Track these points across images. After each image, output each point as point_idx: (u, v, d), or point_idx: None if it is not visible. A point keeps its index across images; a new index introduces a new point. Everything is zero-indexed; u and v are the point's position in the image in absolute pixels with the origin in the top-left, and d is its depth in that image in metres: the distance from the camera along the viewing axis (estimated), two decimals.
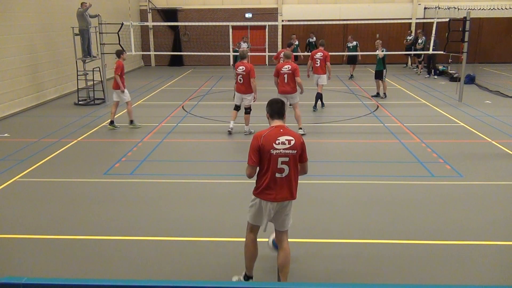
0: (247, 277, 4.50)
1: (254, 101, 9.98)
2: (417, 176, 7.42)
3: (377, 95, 14.31)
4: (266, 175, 4.13)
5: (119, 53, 10.76)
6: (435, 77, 18.57)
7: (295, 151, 4.10)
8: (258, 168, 4.19)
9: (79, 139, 9.76)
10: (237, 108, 10.20)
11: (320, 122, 11.32)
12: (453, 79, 16.96)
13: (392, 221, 5.87)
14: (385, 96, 14.15)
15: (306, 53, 19.49)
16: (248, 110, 10.02)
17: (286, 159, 4.08)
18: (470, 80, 16.25)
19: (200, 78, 18.92)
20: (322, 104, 12.84)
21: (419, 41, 19.32)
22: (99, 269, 4.82)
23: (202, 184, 7.20)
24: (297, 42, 19.66)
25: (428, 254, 5.05)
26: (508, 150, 8.71)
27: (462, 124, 10.80)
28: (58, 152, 8.84)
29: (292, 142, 4.09)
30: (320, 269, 4.81)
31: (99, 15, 13.73)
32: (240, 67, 9.76)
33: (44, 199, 6.67)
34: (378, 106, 12.92)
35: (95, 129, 10.65)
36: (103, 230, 5.66)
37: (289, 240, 4.48)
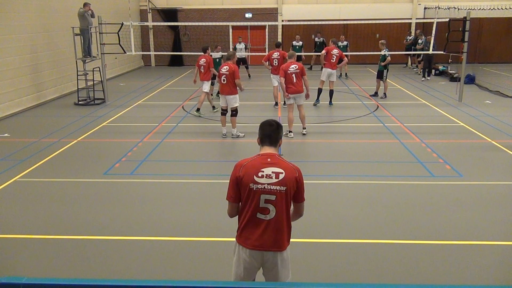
0: None
1: (242, 90, 9.67)
2: (417, 176, 7.42)
3: (375, 94, 14.39)
4: (245, 216, 3.30)
5: (205, 49, 12.00)
6: (428, 78, 18.45)
7: (285, 188, 3.24)
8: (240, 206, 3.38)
9: (79, 139, 9.76)
10: (224, 112, 9.82)
11: (320, 122, 11.32)
12: (453, 79, 16.96)
13: (392, 221, 5.86)
14: (385, 96, 14.17)
15: (313, 53, 19.52)
16: (233, 113, 9.64)
17: (272, 197, 3.22)
18: (470, 80, 16.25)
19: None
20: (330, 102, 13.06)
21: (419, 41, 19.31)
22: (99, 269, 4.82)
23: (202, 184, 7.20)
24: (300, 43, 19.71)
25: (428, 254, 5.05)
26: (508, 150, 8.71)
27: (462, 124, 10.81)
28: (58, 152, 8.84)
29: (281, 176, 3.23)
30: (320, 269, 4.81)
31: (99, 16, 13.73)
32: (224, 67, 9.48)
33: (44, 199, 6.67)
34: (378, 106, 12.92)
35: (95, 129, 10.65)
36: (103, 230, 5.66)
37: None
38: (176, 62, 23.69)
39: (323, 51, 13.05)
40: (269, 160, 3.31)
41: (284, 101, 12.77)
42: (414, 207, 6.26)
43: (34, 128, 10.88)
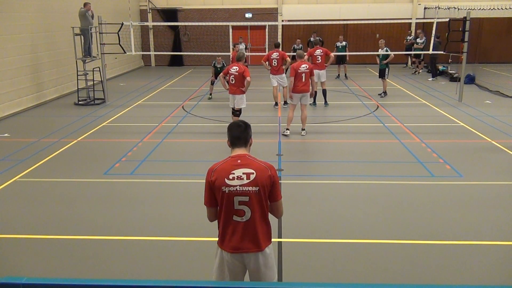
0: None
1: (245, 90, 9.78)
2: (417, 176, 7.42)
3: (385, 93, 14.43)
4: (222, 219, 3.31)
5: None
6: (435, 78, 18.52)
7: (257, 188, 3.20)
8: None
9: (79, 139, 9.76)
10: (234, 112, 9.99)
11: (320, 122, 11.31)
12: (453, 79, 16.95)
13: (392, 221, 5.86)
14: (385, 95, 14.22)
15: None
16: (237, 113, 9.75)
17: (245, 198, 3.19)
18: (470, 80, 16.25)
19: (200, 78, 18.92)
20: (326, 103, 13.02)
21: (420, 40, 19.31)
22: (99, 269, 4.82)
23: (202, 184, 7.15)
24: (300, 46, 19.72)
25: (428, 254, 5.05)
26: (508, 150, 8.70)
27: (462, 124, 10.81)
28: (58, 152, 8.84)
29: (252, 176, 3.20)
30: (320, 269, 4.81)
31: (99, 16, 13.73)
32: (234, 67, 9.60)
33: (44, 199, 6.67)
34: (378, 106, 12.92)
35: (95, 129, 10.65)
36: (103, 230, 5.66)
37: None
38: (176, 62, 23.70)
39: (306, 56, 12.89)
40: (239, 161, 3.28)
41: (285, 101, 12.81)
42: (414, 207, 6.26)
43: (34, 128, 10.88)
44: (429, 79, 18.09)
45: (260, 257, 3.29)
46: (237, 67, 9.61)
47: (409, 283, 4.56)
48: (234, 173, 3.22)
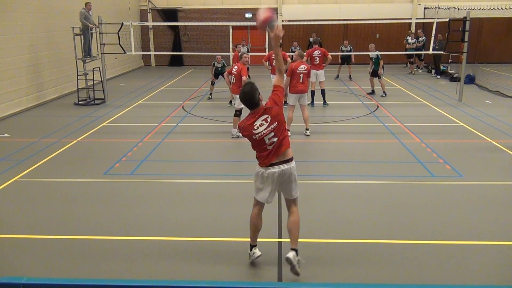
0: (251, 246, 4.79)
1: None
2: (417, 176, 7.42)
3: (373, 92, 14.78)
4: (261, 152, 4.46)
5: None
6: (438, 76, 18.57)
7: (276, 122, 4.38)
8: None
9: (79, 139, 9.76)
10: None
11: (320, 122, 11.31)
12: (453, 79, 16.95)
13: (392, 221, 5.86)
14: (385, 95, 14.29)
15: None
16: (237, 113, 9.66)
17: (271, 134, 4.38)
18: (470, 80, 16.24)
19: (200, 78, 18.92)
20: (325, 102, 13.03)
21: (420, 39, 19.32)
22: (99, 269, 4.82)
23: (202, 184, 7.20)
24: (298, 48, 19.76)
25: (428, 254, 5.04)
26: (508, 150, 8.70)
27: (462, 124, 10.80)
28: (58, 152, 8.84)
29: (269, 119, 4.37)
30: (320, 269, 4.81)
31: (99, 16, 13.73)
32: (235, 67, 9.92)
33: (44, 199, 6.67)
34: (378, 106, 12.93)
35: (95, 129, 10.65)
36: (103, 230, 5.66)
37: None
38: (176, 62, 23.69)
39: (304, 58, 12.95)
40: (256, 116, 4.39)
41: (285, 101, 12.79)
42: (414, 207, 6.26)
43: (34, 128, 10.88)
44: (437, 77, 18.41)
45: (294, 171, 4.57)
46: (236, 67, 9.85)
47: (409, 283, 4.56)
48: (256, 124, 4.37)
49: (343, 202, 6.46)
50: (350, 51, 18.16)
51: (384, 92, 14.38)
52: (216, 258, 5.00)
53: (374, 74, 14.55)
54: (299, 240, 4.67)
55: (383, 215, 6.02)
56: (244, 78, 9.61)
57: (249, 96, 4.40)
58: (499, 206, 6.27)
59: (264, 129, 4.36)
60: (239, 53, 10.46)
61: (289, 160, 4.51)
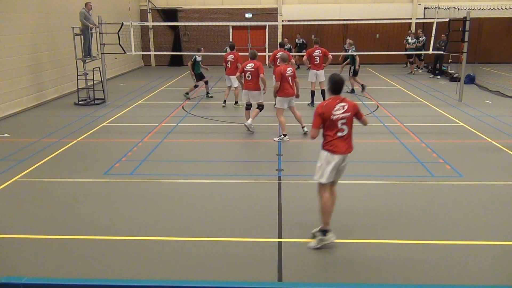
0: (325, 232, 5.12)
1: (264, 93, 10.16)
2: (417, 176, 7.42)
3: (353, 91, 15.21)
4: (331, 135, 5.12)
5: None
6: (438, 77, 18.56)
7: (349, 113, 5.13)
8: (321, 130, 5.19)
9: (79, 139, 9.76)
10: (248, 107, 10.32)
11: None
12: (453, 79, 16.95)
13: (392, 221, 5.86)
14: (364, 89, 14.95)
15: (295, 53, 19.56)
16: (260, 107, 10.08)
17: (344, 120, 5.11)
18: (470, 80, 16.24)
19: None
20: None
21: (420, 39, 19.32)
22: (99, 269, 4.82)
23: (202, 184, 7.20)
24: (288, 46, 19.87)
25: (428, 254, 5.05)
26: (508, 150, 8.71)
27: (462, 124, 10.81)
28: (58, 152, 8.84)
29: (346, 107, 5.12)
30: (320, 269, 4.81)
31: (99, 16, 13.73)
32: (249, 64, 10.02)
33: (44, 199, 6.67)
34: (378, 106, 12.93)
35: (95, 129, 10.65)
36: (103, 230, 5.66)
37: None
38: (176, 62, 23.67)
39: (305, 57, 13.05)
40: (337, 100, 5.14)
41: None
42: (414, 207, 6.26)
43: (34, 128, 10.88)
44: (437, 77, 18.47)
45: (347, 158, 5.29)
46: (252, 64, 10.04)
47: (409, 283, 4.56)
48: (336, 107, 5.09)
49: (343, 202, 6.44)
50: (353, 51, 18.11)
51: (353, 89, 15.02)
52: (216, 258, 5.00)
53: (356, 73, 14.88)
54: (298, 240, 4.67)
55: (383, 215, 6.02)
56: (261, 75, 9.86)
57: (342, 82, 5.18)
58: (499, 206, 6.27)
59: (341, 113, 5.08)
60: (250, 51, 10.57)
61: (352, 149, 5.32)
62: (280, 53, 10.13)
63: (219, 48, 22.56)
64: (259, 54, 20.78)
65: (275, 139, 9.55)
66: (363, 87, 14.96)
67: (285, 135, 9.55)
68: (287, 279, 4.61)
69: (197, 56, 14.02)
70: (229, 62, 12.81)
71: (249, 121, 9.98)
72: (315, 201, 6.42)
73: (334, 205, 5.24)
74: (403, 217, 5.96)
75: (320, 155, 5.19)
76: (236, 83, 12.68)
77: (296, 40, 19.38)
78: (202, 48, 14.36)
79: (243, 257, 4.99)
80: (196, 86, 14.39)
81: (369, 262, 4.91)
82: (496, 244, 5.26)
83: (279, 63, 9.96)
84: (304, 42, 21.43)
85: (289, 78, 9.46)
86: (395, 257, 5.01)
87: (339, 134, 5.13)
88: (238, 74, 10.24)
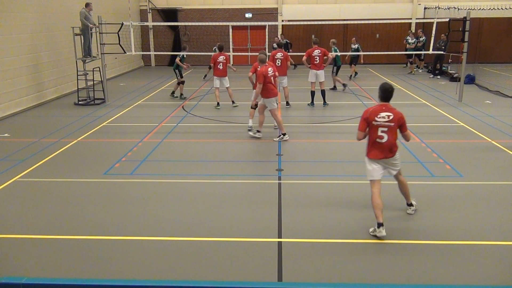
0: (380, 224, 5.36)
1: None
2: (417, 176, 7.42)
3: (334, 88, 15.65)
4: (371, 140, 5.48)
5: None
6: (438, 77, 18.57)
7: (393, 124, 5.37)
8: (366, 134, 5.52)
9: (79, 139, 9.76)
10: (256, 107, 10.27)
11: (320, 122, 11.32)
12: (453, 79, 16.95)
13: (391, 221, 5.86)
14: (345, 87, 15.36)
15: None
16: (255, 107, 10.02)
17: (385, 129, 5.38)
18: (470, 80, 16.25)
19: (200, 78, 18.92)
20: (325, 103, 13.02)
21: (420, 39, 19.31)
22: (99, 269, 4.82)
23: (202, 184, 7.20)
24: (284, 41, 20.10)
25: (428, 254, 5.05)
26: (508, 150, 8.71)
27: (462, 124, 10.80)
28: (58, 152, 8.84)
29: (391, 117, 5.38)
30: (320, 269, 4.81)
31: (99, 16, 13.73)
32: (270, 69, 9.49)
33: (44, 199, 6.67)
34: None
35: (95, 129, 10.66)
36: (103, 230, 5.67)
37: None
38: None
39: (304, 57, 12.99)
40: (383, 108, 5.45)
41: (287, 102, 12.82)
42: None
43: (34, 128, 10.88)
44: (437, 77, 18.47)
45: (396, 156, 5.62)
46: (271, 68, 9.59)
47: (409, 283, 4.56)
48: (381, 114, 5.39)
49: (343, 202, 6.46)
50: (358, 49, 18.13)
51: (335, 86, 15.42)
52: (216, 258, 5.00)
53: (338, 71, 15.20)
54: (298, 240, 4.66)
55: (383, 215, 6.00)
56: (276, 73, 9.91)
57: (391, 90, 5.55)
58: (499, 206, 6.28)
59: (383, 121, 5.38)
60: (260, 55, 10.44)
61: (393, 154, 5.54)
62: (261, 55, 9.87)
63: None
64: (258, 54, 20.80)
65: (275, 139, 9.55)
66: (344, 85, 15.38)
67: (284, 134, 9.54)
68: (287, 279, 4.61)
69: (184, 54, 14.18)
70: (221, 63, 12.74)
71: (250, 122, 10.03)
72: (315, 201, 6.44)
73: (407, 187, 5.88)
74: (403, 217, 5.96)
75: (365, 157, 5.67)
76: (228, 83, 12.81)
77: (281, 40, 19.40)
78: (187, 47, 14.70)
79: (243, 257, 4.99)
80: (182, 83, 14.43)
81: (369, 262, 4.91)
82: (496, 244, 5.26)
83: (259, 65, 9.65)
84: (288, 42, 21.35)
85: (272, 78, 9.45)
86: (395, 257, 5.01)
87: (378, 140, 5.41)
88: (250, 74, 10.18)
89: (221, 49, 13.10)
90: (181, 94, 14.39)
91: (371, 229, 5.45)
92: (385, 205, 6.35)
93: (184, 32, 23.65)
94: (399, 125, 5.41)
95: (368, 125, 5.43)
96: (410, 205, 6.00)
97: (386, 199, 6.53)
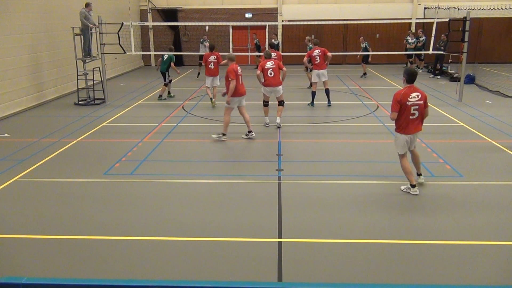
0: (413, 186, 6.59)
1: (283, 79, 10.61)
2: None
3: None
4: (405, 121, 6.46)
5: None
6: (438, 77, 18.57)
7: (422, 102, 6.43)
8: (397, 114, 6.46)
9: (79, 139, 9.76)
10: (266, 104, 10.64)
11: (320, 122, 11.32)
12: (453, 79, 16.95)
13: (392, 221, 5.87)
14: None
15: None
16: (282, 102, 10.50)
17: (417, 107, 6.41)
18: (470, 80, 16.24)
19: (200, 78, 18.91)
20: (329, 102, 13.01)
21: (421, 39, 19.30)
22: (99, 269, 4.82)
23: (202, 184, 7.20)
24: (277, 41, 20.16)
25: (428, 254, 5.05)
26: (508, 150, 8.71)
27: (462, 124, 10.80)
28: (58, 152, 8.84)
29: (420, 96, 6.43)
30: (320, 269, 4.81)
31: (99, 16, 13.73)
32: (269, 63, 10.27)
33: (44, 199, 6.67)
34: (378, 106, 12.93)
35: (95, 129, 10.66)
36: (103, 230, 5.67)
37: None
38: (176, 62, 23.54)
39: (305, 58, 13.04)
40: (412, 89, 6.49)
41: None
42: (414, 207, 6.26)
43: (34, 128, 10.88)
44: (437, 77, 18.47)
45: (418, 133, 6.74)
46: (272, 62, 10.32)
47: (409, 283, 4.56)
48: (412, 95, 6.41)
49: (343, 202, 6.46)
50: (366, 48, 18.12)
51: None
52: (216, 258, 5.00)
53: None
54: (298, 240, 4.66)
55: (383, 215, 6.02)
56: (284, 69, 10.47)
57: (415, 73, 6.61)
58: (499, 206, 6.28)
59: (415, 101, 6.39)
60: (265, 51, 10.91)
61: (421, 128, 6.64)
62: (229, 54, 9.91)
63: (220, 49, 22.56)
64: (258, 54, 20.81)
65: (213, 135, 9.59)
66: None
67: (224, 135, 9.51)
68: (287, 279, 4.61)
69: (173, 56, 14.27)
70: (212, 63, 12.98)
71: (278, 119, 10.47)
72: (315, 201, 6.44)
73: (419, 159, 6.92)
74: (403, 217, 5.96)
75: (395, 135, 6.67)
76: (218, 83, 13.06)
77: (273, 40, 19.35)
78: (173, 48, 14.90)
79: (243, 257, 4.99)
80: (170, 81, 14.46)
81: (369, 262, 4.91)
82: (496, 244, 5.26)
83: (228, 63, 9.70)
84: (279, 43, 21.42)
85: (240, 77, 9.50)
86: (395, 257, 5.01)
87: (411, 117, 6.43)
88: (258, 72, 10.28)
89: (212, 48, 13.26)
90: (160, 96, 14.30)
91: (402, 187, 6.71)
92: (385, 205, 6.38)
93: (184, 32, 23.65)
94: (425, 102, 6.45)
95: (401, 106, 6.36)
96: (420, 174, 6.96)
97: (386, 199, 6.54)
